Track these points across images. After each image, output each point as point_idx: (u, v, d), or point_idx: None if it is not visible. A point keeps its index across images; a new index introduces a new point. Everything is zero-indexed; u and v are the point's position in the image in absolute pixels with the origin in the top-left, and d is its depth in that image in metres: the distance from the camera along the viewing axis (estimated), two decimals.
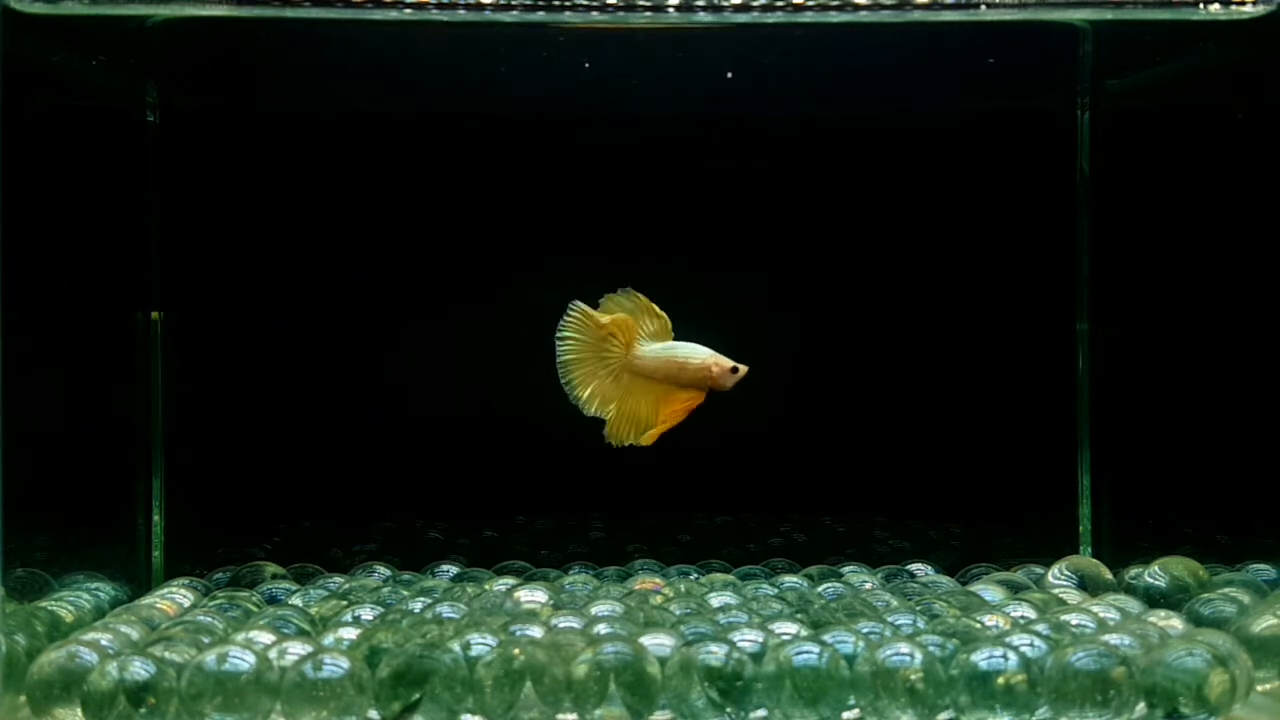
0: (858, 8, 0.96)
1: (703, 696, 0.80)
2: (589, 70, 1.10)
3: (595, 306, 1.02)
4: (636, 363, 1.02)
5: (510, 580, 1.07)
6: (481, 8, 0.96)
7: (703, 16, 0.97)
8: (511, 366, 1.23)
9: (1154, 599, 1.00)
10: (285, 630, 0.89)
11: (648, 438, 1.02)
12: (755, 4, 0.96)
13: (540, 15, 0.96)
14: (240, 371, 1.21)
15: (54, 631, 0.92)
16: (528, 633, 0.87)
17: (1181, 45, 1.05)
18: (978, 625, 0.89)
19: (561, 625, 0.89)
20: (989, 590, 1.02)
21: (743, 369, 1.02)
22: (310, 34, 1.03)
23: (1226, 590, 0.97)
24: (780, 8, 0.96)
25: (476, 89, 1.17)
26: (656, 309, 1.03)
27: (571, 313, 1.02)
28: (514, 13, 0.96)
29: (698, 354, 1.02)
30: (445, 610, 0.94)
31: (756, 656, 0.82)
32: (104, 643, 0.85)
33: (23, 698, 0.82)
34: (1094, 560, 1.09)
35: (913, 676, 0.80)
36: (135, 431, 1.16)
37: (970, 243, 1.21)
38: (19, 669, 0.84)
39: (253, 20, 0.97)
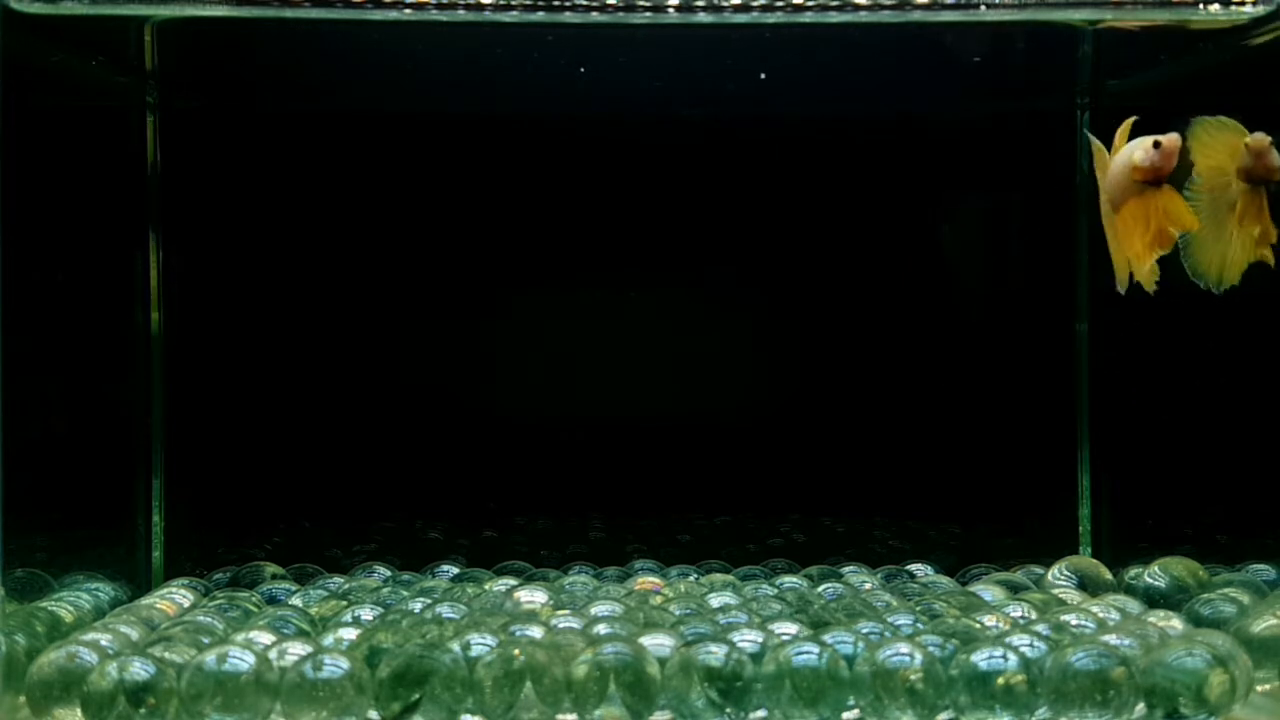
0: (858, 8, 0.96)
1: (702, 697, 0.80)
2: (584, 71, 1.10)
3: None
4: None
5: (510, 580, 1.07)
6: (481, 8, 0.96)
7: (703, 17, 0.97)
8: (511, 366, 1.23)
9: (1154, 599, 1.00)
10: (285, 630, 0.89)
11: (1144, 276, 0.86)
12: (755, 4, 0.96)
13: (540, 15, 0.96)
14: (240, 372, 1.21)
15: (54, 631, 0.92)
16: (528, 633, 0.87)
17: (1181, 45, 1.05)
18: (977, 625, 0.89)
19: (561, 625, 0.89)
20: (989, 590, 1.02)
21: (1167, 140, 0.81)
22: (310, 34, 1.03)
23: (1226, 590, 0.97)
24: (780, 8, 0.96)
25: (474, 89, 1.17)
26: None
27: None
28: (514, 13, 0.96)
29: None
30: (445, 610, 0.94)
31: (756, 657, 0.81)
32: (104, 643, 0.85)
33: (23, 698, 0.82)
34: (1094, 560, 1.09)
35: (913, 676, 0.80)
36: (135, 432, 1.16)
37: (970, 243, 1.21)
38: (19, 669, 0.84)
39: (253, 20, 0.97)
